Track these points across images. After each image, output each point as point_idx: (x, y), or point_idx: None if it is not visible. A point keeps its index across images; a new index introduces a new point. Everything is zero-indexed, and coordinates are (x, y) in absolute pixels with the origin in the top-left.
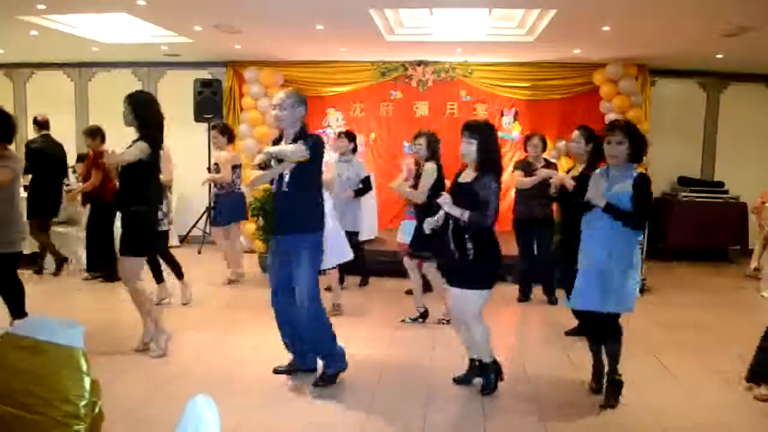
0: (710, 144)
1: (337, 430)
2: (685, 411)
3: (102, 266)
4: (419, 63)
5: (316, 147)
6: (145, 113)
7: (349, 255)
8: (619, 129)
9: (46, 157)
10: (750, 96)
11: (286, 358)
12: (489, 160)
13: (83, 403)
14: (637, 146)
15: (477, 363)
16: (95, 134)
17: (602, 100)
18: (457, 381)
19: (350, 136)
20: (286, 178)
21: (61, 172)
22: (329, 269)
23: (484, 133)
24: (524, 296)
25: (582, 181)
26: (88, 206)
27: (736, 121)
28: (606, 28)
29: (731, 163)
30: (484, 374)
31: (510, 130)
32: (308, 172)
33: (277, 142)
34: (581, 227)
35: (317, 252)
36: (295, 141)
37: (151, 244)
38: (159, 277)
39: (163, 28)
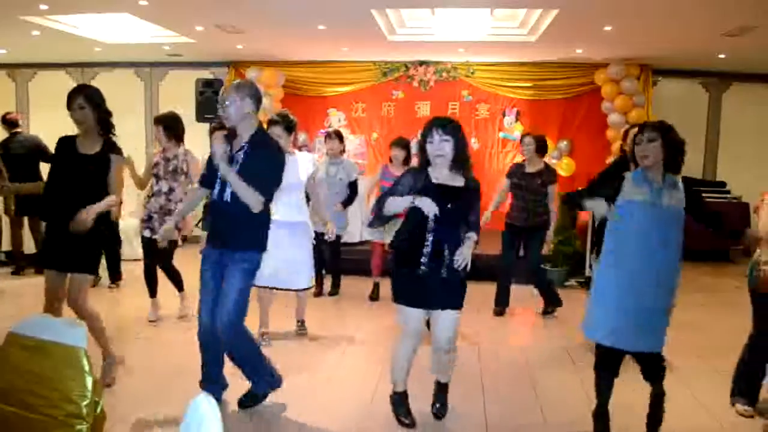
0: (712, 144)
1: (337, 430)
2: (687, 411)
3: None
4: (421, 63)
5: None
6: (106, 111)
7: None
8: (650, 126)
9: (16, 157)
10: (752, 96)
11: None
12: (467, 161)
13: (85, 402)
14: (672, 149)
15: (439, 384)
16: None
17: (604, 100)
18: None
19: (340, 136)
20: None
21: (35, 168)
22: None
23: (460, 131)
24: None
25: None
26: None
27: (738, 121)
28: (608, 28)
29: (733, 163)
30: (444, 395)
31: (512, 130)
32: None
33: (229, 138)
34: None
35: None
36: (251, 145)
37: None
38: (153, 291)
39: (166, 28)
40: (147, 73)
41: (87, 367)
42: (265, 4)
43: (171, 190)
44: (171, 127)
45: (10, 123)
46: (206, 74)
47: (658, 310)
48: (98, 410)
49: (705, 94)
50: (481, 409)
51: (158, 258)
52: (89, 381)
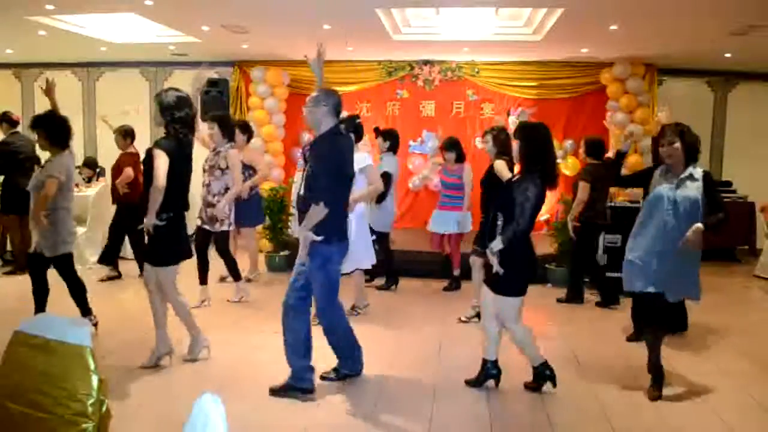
0: (718, 143)
1: (342, 430)
2: (691, 411)
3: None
4: (426, 62)
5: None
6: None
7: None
8: (670, 131)
9: (16, 156)
10: (758, 95)
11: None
12: (533, 159)
13: (91, 401)
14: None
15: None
16: (127, 135)
17: (609, 100)
18: (469, 383)
19: (384, 134)
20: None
21: (32, 169)
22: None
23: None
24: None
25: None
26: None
27: (744, 120)
28: (613, 27)
29: (739, 163)
30: (537, 378)
31: None
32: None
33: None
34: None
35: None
36: (311, 147)
37: (174, 252)
38: (203, 279)
39: (171, 27)
40: (152, 73)
41: (93, 366)
42: (270, 3)
43: (209, 184)
44: (225, 125)
45: (10, 122)
46: (211, 74)
47: None
48: (104, 409)
49: (711, 93)
50: (485, 406)
51: (216, 245)
52: (95, 380)
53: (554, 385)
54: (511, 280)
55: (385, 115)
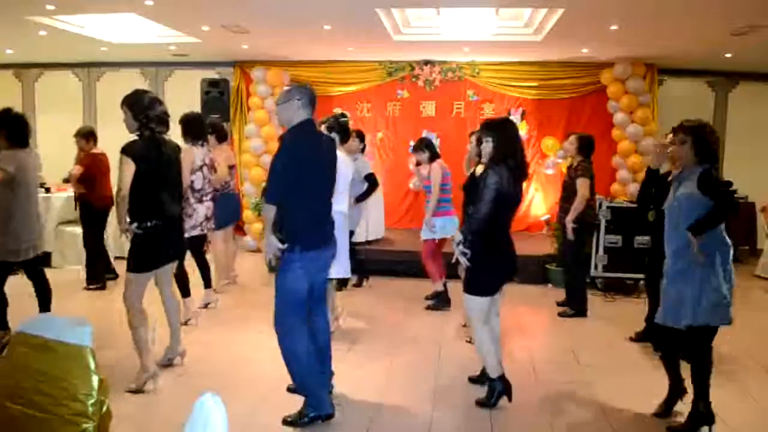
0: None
1: (342, 430)
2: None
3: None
4: (426, 62)
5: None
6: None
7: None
8: (681, 129)
9: None
10: (759, 96)
11: None
12: (502, 153)
13: (91, 401)
14: (702, 147)
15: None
16: (89, 136)
17: (610, 100)
18: (472, 380)
19: (360, 135)
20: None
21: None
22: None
23: (498, 130)
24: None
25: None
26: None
27: (744, 120)
28: (614, 27)
29: (740, 163)
30: (489, 390)
31: None
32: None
33: None
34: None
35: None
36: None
37: (147, 261)
38: (185, 291)
39: (171, 28)
40: (153, 73)
41: (93, 366)
42: (270, 4)
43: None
44: (184, 127)
45: None
46: (212, 74)
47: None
48: (104, 409)
49: (711, 93)
50: (486, 409)
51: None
52: (95, 380)
53: (510, 399)
54: (477, 279)
55: (385, 116)
